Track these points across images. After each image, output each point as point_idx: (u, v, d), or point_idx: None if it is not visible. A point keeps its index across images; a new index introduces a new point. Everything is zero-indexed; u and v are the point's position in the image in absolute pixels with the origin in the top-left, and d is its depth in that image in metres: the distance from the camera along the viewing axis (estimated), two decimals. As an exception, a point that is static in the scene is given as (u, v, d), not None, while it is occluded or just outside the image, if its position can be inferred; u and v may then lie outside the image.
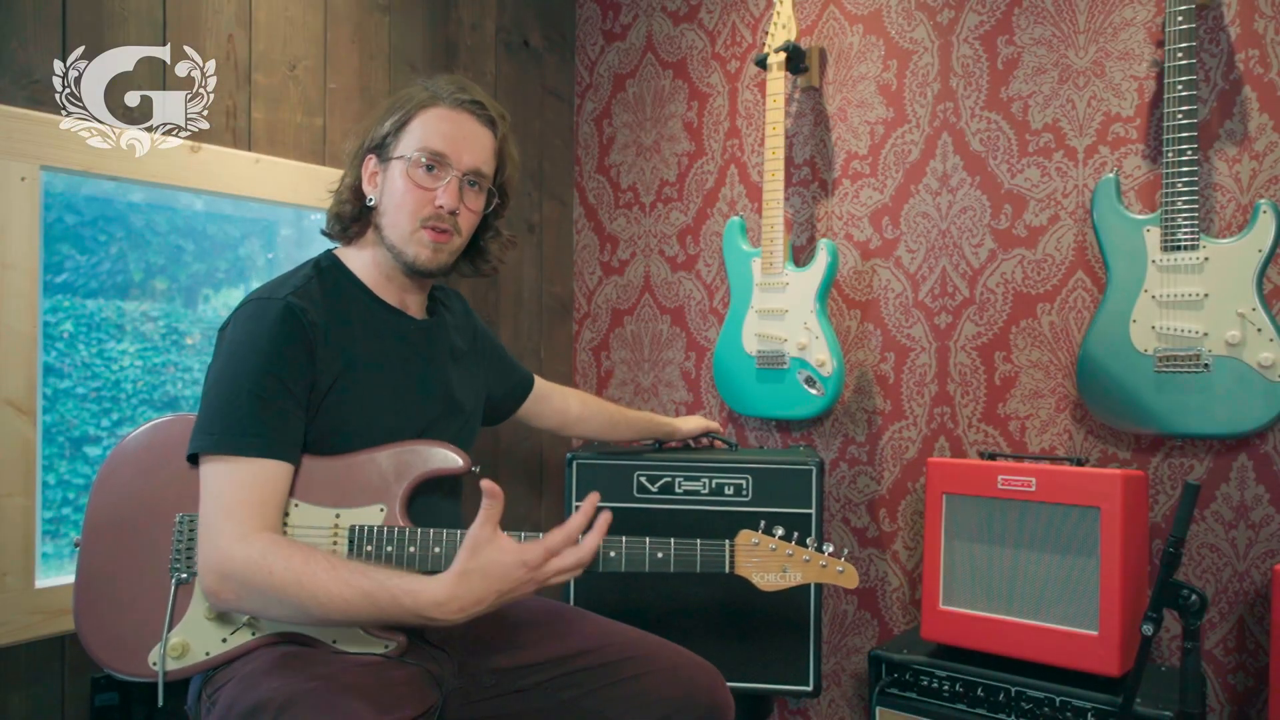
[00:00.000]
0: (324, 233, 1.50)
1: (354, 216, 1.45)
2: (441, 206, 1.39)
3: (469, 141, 1.42)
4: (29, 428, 1.64)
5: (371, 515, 1.33)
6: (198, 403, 1.34)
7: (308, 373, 1.30)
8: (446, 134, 1.40)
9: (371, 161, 1.43)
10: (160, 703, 1.25)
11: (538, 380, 1.84)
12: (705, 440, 2.08)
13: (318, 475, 1.32)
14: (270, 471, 1.25)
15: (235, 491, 1.23)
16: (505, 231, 1.58)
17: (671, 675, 1.43)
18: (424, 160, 1.39)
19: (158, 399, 1.95)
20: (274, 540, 1.22)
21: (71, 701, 1.71)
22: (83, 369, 1.84)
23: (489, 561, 1.21)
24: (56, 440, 1.81)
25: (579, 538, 1.28)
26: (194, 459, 1.28)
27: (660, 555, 1.42)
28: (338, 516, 1.32)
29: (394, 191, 1.40)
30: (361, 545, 1.31)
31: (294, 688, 1.17)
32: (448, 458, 1.38)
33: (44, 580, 1.69)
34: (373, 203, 1.43)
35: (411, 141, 1.39)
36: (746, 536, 1.46)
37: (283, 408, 1.27)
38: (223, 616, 1.28)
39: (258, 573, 1.19)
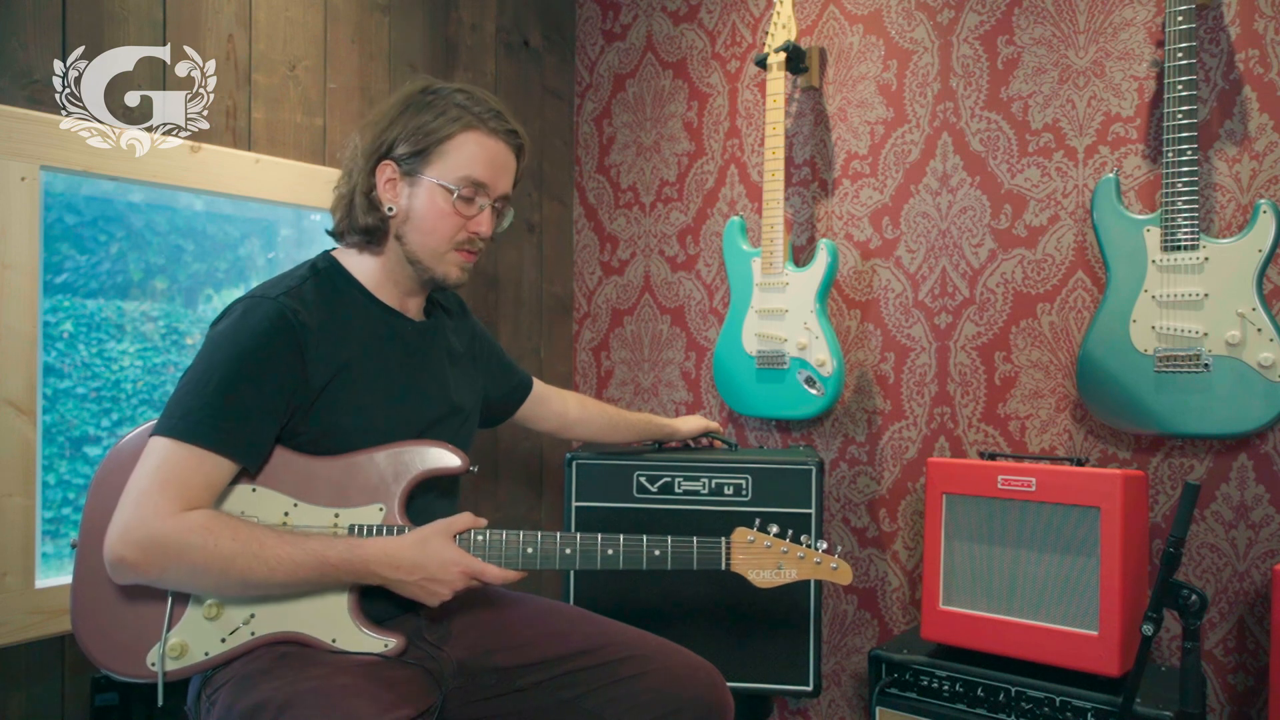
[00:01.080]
0: (342, 241, 1.45)
1: (378, 227, 1.41)
2: (478, 234, 1.42)
3: (505, 171, 1.44)
4: (29, 428, 1.64)
5: (370, 515, 1.33)
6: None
7: (292, 375, 1.29)
8: (486, 163, 1.40)
9: (389, 169, 1.39)
10: (160, 703, 1.25)
11: (536, 383, 1.84)
12: (705, 440, 2.08)
13: (316, 475, 1.32)
14: (214, 464, 1.23)
15: (175, 471, 1.21)
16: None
17: (671, 675, 1.43)
18: (470, 191, 1.39)
19: (158, 399, 1.95)
20: (213, 514, 1.22)
21: (71, 701, 1.71)
22: (83, 369, 1.84)
23: (442, 549, 1.31)
24: (56, 440, 1.81)
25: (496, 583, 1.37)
26: None
27: (657, 553, 1.44)
28: (336, 516, 1.32)
29: (427, 214, 1.39)
30: None
31: (293, 687, 1.18)
32: (446, 457, 1.38)
33: (44, 580, 1.69)
34: (393, 212, 1.40)
35: (451, 167, 1.38)
36: (742, 534, 1.48)
37: (247, 407, 1.25)
38: (221, 617, 1.27)
39: (196, 546, 1.18)
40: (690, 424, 2.04)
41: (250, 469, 1.28)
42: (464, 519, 1.35)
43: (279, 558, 1.22)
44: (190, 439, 1.22)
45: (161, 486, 1.20)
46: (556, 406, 1.87)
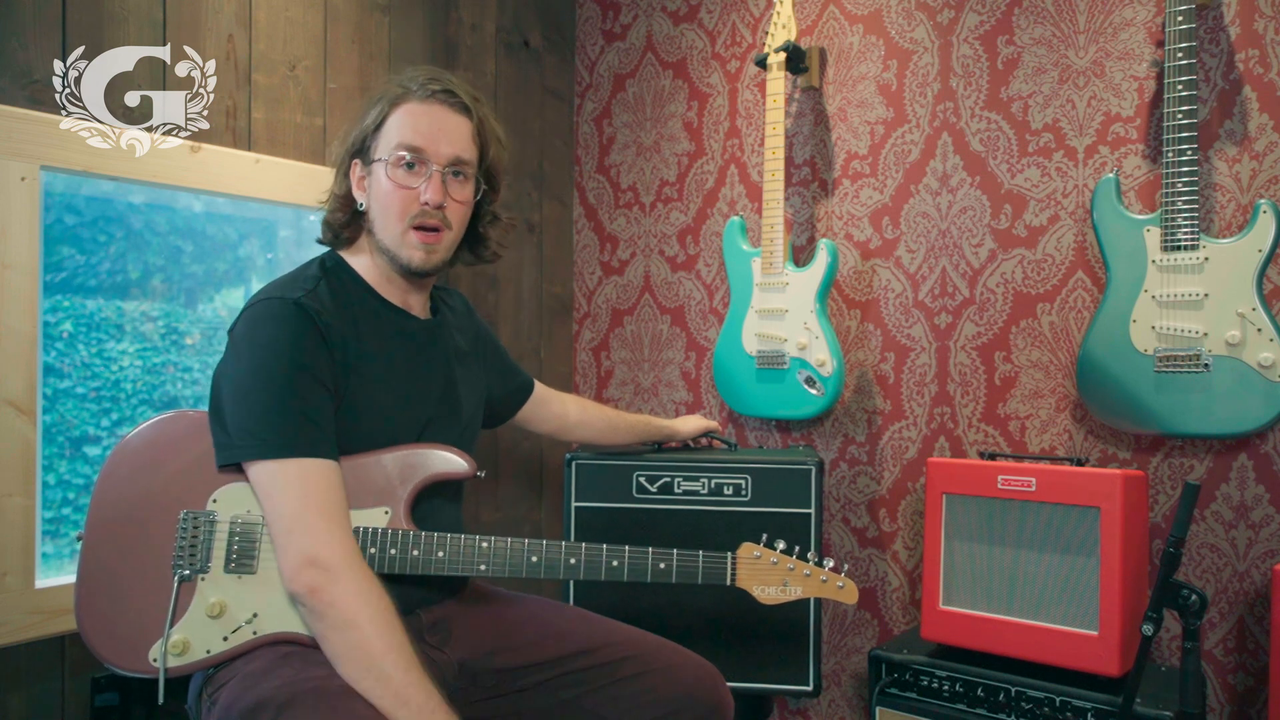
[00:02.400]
0: (319, 241, 1.50)
1: (345, 223, 1.45)
2: (427, 203, 1.37)
3: (445, 132, 1.39)
4: (29, 428, 1.64)
5: (376, 518, 1.33)
6: (199, 402, 1.34)
7: (330, 371, 1.30)
8: (421, 128, 1.38)
9: (357, 166, 1.43)
10: (161, 700, 1.25)
11: (537, 384, 1.84)
12: (705, 440, 2.08)
13: None
14: (324, 469, 1.26)
15: (317, 495, 1.24)
16: (504, 215, 1.57)
17: (671, 675, 1.43)
18: (403, 158, 1.37)
19: (157, 399, 1.95)
20: (381, 595, 1.24)
21: (71, 701, 1.71)
22: (82, 369, 1.84)
23: None
24: (56, 440, 1.81)
25: None
26: (228, 465, 1.29)
27: (662, 566, 1.43)
28: None
29: (380, 194, 1.39)
30: (365, 548, 1.32)
31: (295, 687, 1.17)
32: (453, 461, 1.39)
33: (44, 580, 1.69)
34: (363, 207, 1.43)
35: (389, 141, 1.38)
36: (748, 549, 1.47)
37: (321, 405, 1.28)
38: (224, 615, 1.27)
39: (353, 602, 1.20)
40: (690, 424, 2.04)
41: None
42: None
43: (388, 655, 1.20)
44: (304, 452, 1.24)
45: (321, 511, 1.23)
46: (556, 408, 1.87)
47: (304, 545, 1.22)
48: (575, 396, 1.95)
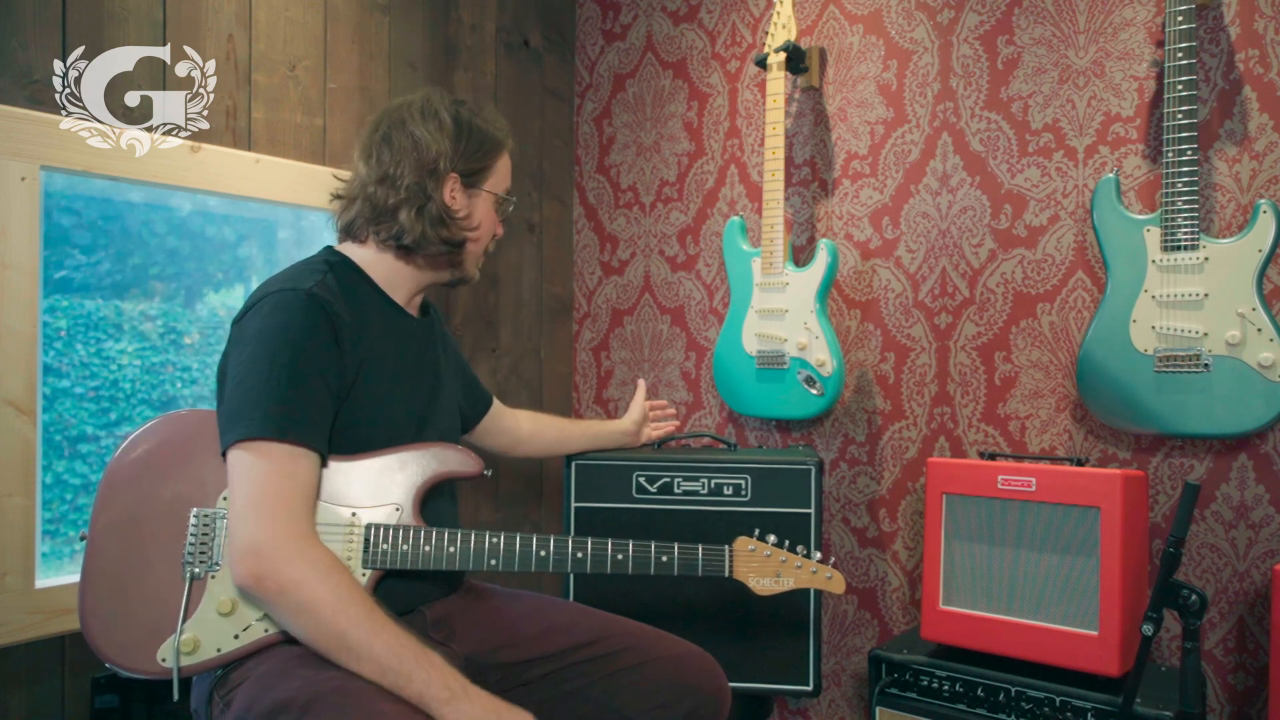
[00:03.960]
0: (402, 244, 1.43)
1: (455, 239, 1.46)
2: (498, 234, 1.57)
3: None
4: (29, 428, 1.64)
5: (387, 514, 1.35)
6: (197, 401, 1.33)
7: (338, 363, 1.30)
8: (511, 175, 1.57)
9: (453, 181, 1.45)
10: (175, 697, 1.24)
11: (494, 400, 1.85)
12: (704, 440, 2.08)
13: (334, 473, 1.33)
14: (306, 460, 1.25)
15: (280, 475, 1.22)
16: None
17: (671, 663, 1.46)
18: (510, 200, 1.57)
19: (156, 398, 1.95)
20: (337, 565, 1.23)
21: (71, 702, 1.71)
22: (80, 368, 1.84)
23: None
24: (54, 440, 1.80)
25: None
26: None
27: (664, 559, 1.48)
28: (354, 515, 1.33)
29: (484, 221, 1.51)
30: (378, 544, 1.33)
31: (316, 686, 1.15)
32: (463, 461, 1.42)
33: (44, 580, 1.69)
34: (463, 220, 1.47)
35: (500, 180, 1.53)
36: (744, 543, 1.54)
37: (318, 396, 1.27)
38: (235, 613, 1.27)
39: (312, 585, 1.18)
40: (630, 416, 2.02)
41: (324, 458, 1.30)
42: None
43: (373, 631, 1.19)
44: (280, 436, 1.22)
45: (276, 497, 1.21)
46: (509, 423, 1.87)
47: (248, 531, 1.19)
48: (527, 411, 1.94)
